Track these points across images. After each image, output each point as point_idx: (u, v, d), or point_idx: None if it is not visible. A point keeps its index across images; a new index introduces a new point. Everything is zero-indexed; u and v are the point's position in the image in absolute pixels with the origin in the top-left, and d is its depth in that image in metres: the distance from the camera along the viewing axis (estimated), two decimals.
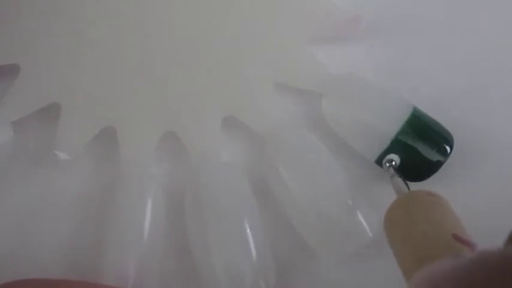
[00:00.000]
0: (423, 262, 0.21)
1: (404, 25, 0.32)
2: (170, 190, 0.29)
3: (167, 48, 0.30)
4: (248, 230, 0.27)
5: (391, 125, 0.28)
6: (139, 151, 0.29)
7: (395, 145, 0.28)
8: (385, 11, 0.32)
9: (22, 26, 0.30)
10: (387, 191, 0.28)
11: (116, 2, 0.30)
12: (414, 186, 0.27)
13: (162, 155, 0.30)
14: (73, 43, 0.30)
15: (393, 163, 0.28)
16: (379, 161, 0.28)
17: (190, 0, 0.30)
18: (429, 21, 0.32)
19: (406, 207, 0.25)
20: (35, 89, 0.29)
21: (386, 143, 0.28)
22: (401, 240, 0.24)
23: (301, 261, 0.28)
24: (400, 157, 0.28)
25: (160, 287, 0.27)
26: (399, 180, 0.27)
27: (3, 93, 0.29)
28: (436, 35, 0.32)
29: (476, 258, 0.19)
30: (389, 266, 0.24)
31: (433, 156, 0.28)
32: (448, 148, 0.28)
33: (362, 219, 0.27)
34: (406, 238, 0.24)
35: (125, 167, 0.28)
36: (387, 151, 0.28)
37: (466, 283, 0.18)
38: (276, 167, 0.28)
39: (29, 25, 0.30)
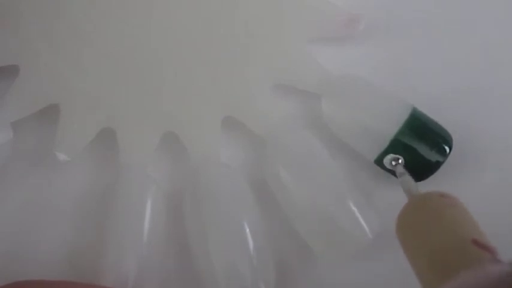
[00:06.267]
0: (444, 272, 0.20)
1: (404, 25, 0.32)
2: (170, 191, 0.29)
3: (166, 48, 0.30)
4: (248, 231, 0.27)
5: (391, 125, 0.28)
6: (139, 152, 0.29)
7: (395, 145, 0.28)
8: (384, 11, 0.32)
9: (21, 27, 0.30)
10: (387, 191, 0.28)
11: (115, 3, 0.30)
12: None
13: (162, 155, 0.30)
14: (73, 44, 0.30)
15: (400, 161, 0.28)
16: (379, 162, 0.28)
17: (190, 2, 0.30)
18: (429, 21, 0.32)
19: (419, 212, 0.24)
20: (34, 90, 0.29)
21: (385, 144, 0.28)
22: (417, 247, 0.23)
23: (301, 262, 0.29)
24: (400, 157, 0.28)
25: None
26: (409, 179, 0.27)
27: (3, 94, 0.29)
28: (436, 35, 0.32)
29: (502, 273, 0.19)
30: (389, 267, 0.24)
31: (432, 156, 0.28)
32: (447, 148, 0.28)
33: (362, 220, 0.27)
34: (422, 245, 0.22)
35: (125, 168, 0.28)
36: (386, 151, 0.28)
37: None
38: (276, 167, 0.28)
39: (28, 26, 0.30)
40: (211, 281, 0.26)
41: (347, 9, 0.30)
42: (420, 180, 0.28)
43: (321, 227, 0.27)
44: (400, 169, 0.28)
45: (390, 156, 0.28)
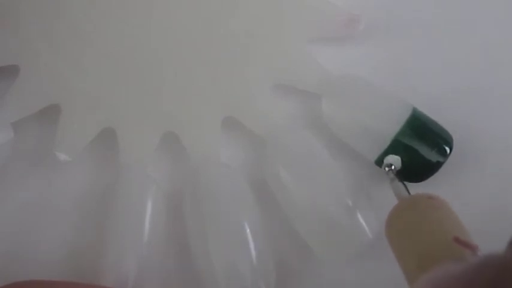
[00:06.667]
0: (425, 267, 0.21)
1: (404, 25, 0.32)
2: (170, 191, 0.29)
3: (166, 48, 0.30)
4: (248, 231, 0.27)
5: (391, 125, 0.28)
6: (139, 152, 0.29)
7: (395, 146, 0.28)
8: (384, 11, 0.31)
9: (21, 27, 0.30)
10: (387, 191, 0.27)
11: (115, 3, 0.30)
12: (414, 186, 0.27)
13: (162, 155, 0.30)
14: (73, 44, 0.30)
15: (392, 167, 0.28)
16: (379, 162, 0.28)
17: (190, 2, 0.30)
18: (429, 21, 0.32)
19: (406, 213, 0.25)
20: (35, 90, 0.29)
21: (386, 144, 0.28)
22: (403, 246, 0.24)
23: (301, 262, 0.29)
24: (400, 158, 0.28)
25: None
26: (399, 185, 0.27)
27: (3, 94, 0.29)
28: (436, 34, 0.32)
29: (480, 263, 0.19)
30: (389, 267, 0.24)
31: (432, 157, 0.28)
32: (447, 149, 0.28)
33: (362, 220, 0.27)
34: (408, 243, 0.23)
35: (125, 168, 0.28)
36: (387, 152, 0.28)
37: None
38: (276, 168, 0.28)
39: (28, 26, 0.30)
40: (211, 281, 0.26)
41: (347, 9, 0.30)
42: (421, 181, 0.28)
43: (321, 227, 0.27)
44: (391, 175, 0.28)
45: (385, 162, 0.28)
